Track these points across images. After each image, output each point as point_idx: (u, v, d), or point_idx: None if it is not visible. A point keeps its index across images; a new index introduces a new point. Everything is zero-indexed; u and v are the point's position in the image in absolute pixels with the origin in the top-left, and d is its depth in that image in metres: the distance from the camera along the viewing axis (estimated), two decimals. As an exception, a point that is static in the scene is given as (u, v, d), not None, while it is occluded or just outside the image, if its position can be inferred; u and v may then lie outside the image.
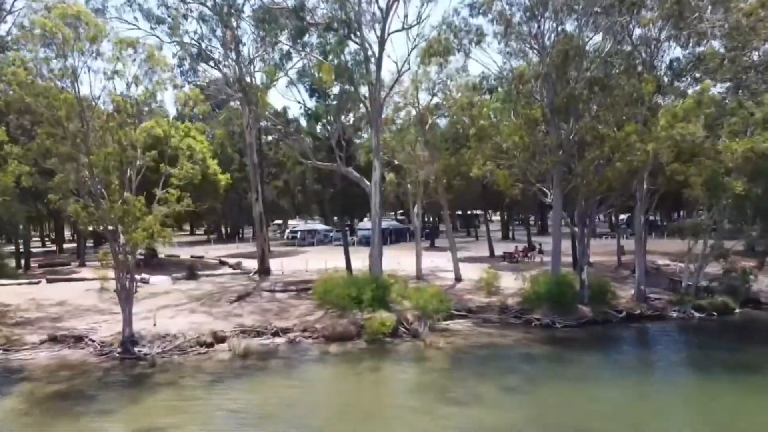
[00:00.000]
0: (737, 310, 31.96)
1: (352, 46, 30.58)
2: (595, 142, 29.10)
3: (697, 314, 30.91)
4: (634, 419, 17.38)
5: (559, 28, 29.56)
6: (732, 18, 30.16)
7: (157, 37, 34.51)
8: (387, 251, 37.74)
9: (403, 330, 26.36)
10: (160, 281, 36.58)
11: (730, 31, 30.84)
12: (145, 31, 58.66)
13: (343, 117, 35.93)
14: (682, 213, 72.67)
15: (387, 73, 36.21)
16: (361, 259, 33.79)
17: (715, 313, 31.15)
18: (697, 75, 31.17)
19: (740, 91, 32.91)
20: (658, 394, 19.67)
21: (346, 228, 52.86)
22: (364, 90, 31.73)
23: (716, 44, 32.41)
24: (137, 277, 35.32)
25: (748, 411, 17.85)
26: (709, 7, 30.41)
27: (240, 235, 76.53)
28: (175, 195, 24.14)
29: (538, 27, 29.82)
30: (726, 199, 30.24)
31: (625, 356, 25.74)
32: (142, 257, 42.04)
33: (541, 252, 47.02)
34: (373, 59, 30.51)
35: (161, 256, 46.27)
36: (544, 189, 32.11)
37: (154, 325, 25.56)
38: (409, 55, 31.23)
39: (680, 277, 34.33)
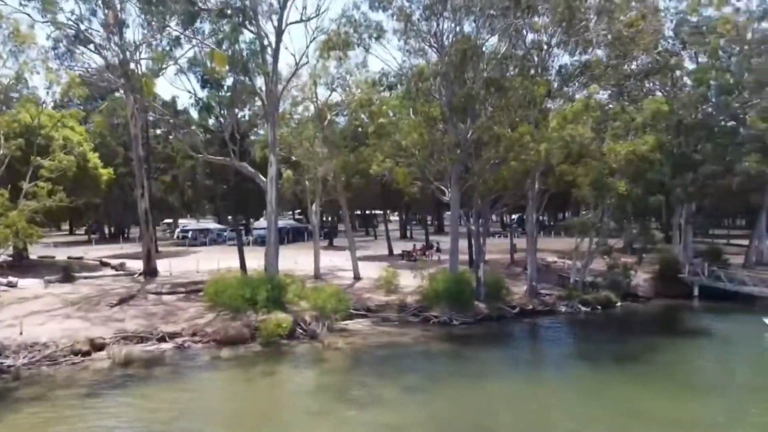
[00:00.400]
0: (618, 304, 33.99)
1: (248, 35, 29.20)
2: (491, 141, 29.73)
3: (583, 308, 32.53)
4: (533, 412, 17.66)
5: (457, 28, 29.91)
6: (615, 28, 31.99)
7: (27, 14, 31.06)
8: (284, 251, 36.56)
9: (301, 331, 25.39)
10: (30, 284, 32.96)
11: (613, 40, 32.67)
12: (13, 7, 52.83)
13: (237, 110, 34.26)
14: (567, 213, 76.95)
15: (285, 66, 34.98)
16: (256, 259, 32.30)
17: (599, 307, 33.02)
18: (584, 81, 32.73)
19: (622, 97, 35.09)
20: (553, 386, 20.22)
21: (241, 227, 50.69)
22: (260, 82, 30.47)
23: (600, 53, 34.24)
24: (2, 280, 31.74)
25: (637, 397, 18.66)
26: (594, 17, 32.05)
27: (125, 235, 71.52)
28: (46, 188, 21.61)
29: (437, 26, 30.03)
30: (610, 199, 32.00)
31: (520, 351, 26.48)
32: (10, 258, 37.96)
33: (438, 250, 47.71)
34: (269, 50, 29.28)
35: (33, 257, 41.96)
36: (442, 187, 32.40)
37: (21, 333, 22.79)
38: (307, 47, 30.36)
39: (568, 273, 36.01)
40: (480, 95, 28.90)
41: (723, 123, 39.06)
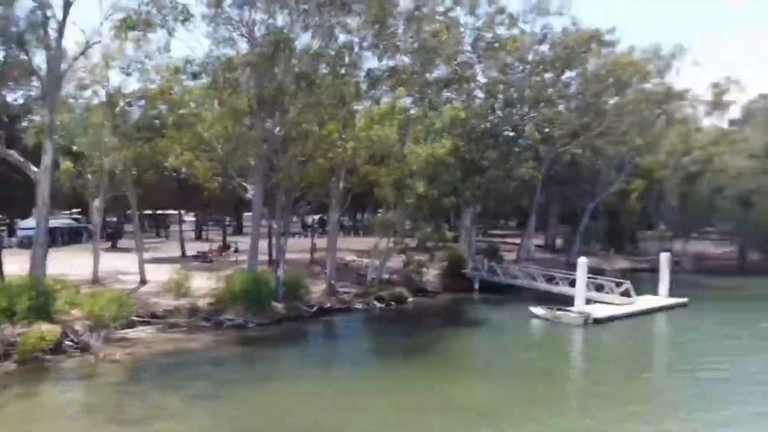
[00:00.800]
0: (410, 299, 35.74)
1: (28, 2, 24.45)
2: (299, 137, 28.93)
3: (378, 305, 33.57)
4: (331, 410, 17.45)
5: (270, 20, 28.37)
6: (421, 37, 33.16)
7: None
8: (58, 253, 31.93)
9: (70, 343, 22.02)
10: None
11: (419, 48, 33.91)
12: None
13: (8, 90, 28.75)
14: (365, 213, 79.11)
15: (72, 44, 29.67)
16: (20, 263, 27.19)
17: (393, 303, 34.32)
18: (391, 84, 33.50)
19: (423, 103, 36.71)
20: (347, 384, 20.22)
21: (3, 226, 42.80)
22: (40, 59, 25.84)
23: (407, 59, 35.26)
24: None
25: (429, 388, 19.61)
26: (403, 25, 32.85)
27: None
28: None
29: (250, 15, 28.21)
30: (409, 199, 33.24)
31: (315, 350, 26.44)
32: None
33: (236, 251, 45.50)
34: (54, 23, 24.76)
35: None
36: (245, 184, 30.74)
37: None
38: (101, 24, 26.11)
39: (366, 271, 36.89)
40: (290, 90, 27.78)
41: (506, 133, 43.23)
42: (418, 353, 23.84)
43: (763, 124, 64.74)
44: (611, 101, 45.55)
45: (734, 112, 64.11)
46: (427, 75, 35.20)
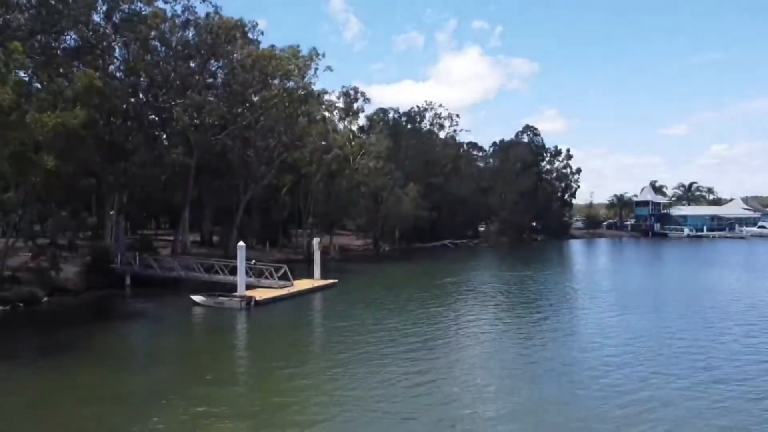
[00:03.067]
0: (46, 299, 30.57)
1: None
2: None
3: (0, 307, 27.69)
4: None
5: None
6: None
7: None
8: None
9: None
10: None
11: (39, 6, 29.41)
12: None
13: None
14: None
15: None
16: None
17: (21, 304, 28.88)
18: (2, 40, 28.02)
19: (51, 69, 31.79)
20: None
21: None
22: None
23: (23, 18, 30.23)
24: None
25: (57, 390, 16.96)
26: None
27: None
28: None
29: None
30: (35, 177, 28.22)
31: None
32: None
33: None
34: None
35: None
36: None
37: None
38: None
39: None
40: None
41: (153, 116, 40.76)
42: (52, 356, 20.65)
43: (385, 132, 76.51)
44: (257, 96, 47.10)
45: (362, 120, 74.14)
46: (51, 40, 30.63)
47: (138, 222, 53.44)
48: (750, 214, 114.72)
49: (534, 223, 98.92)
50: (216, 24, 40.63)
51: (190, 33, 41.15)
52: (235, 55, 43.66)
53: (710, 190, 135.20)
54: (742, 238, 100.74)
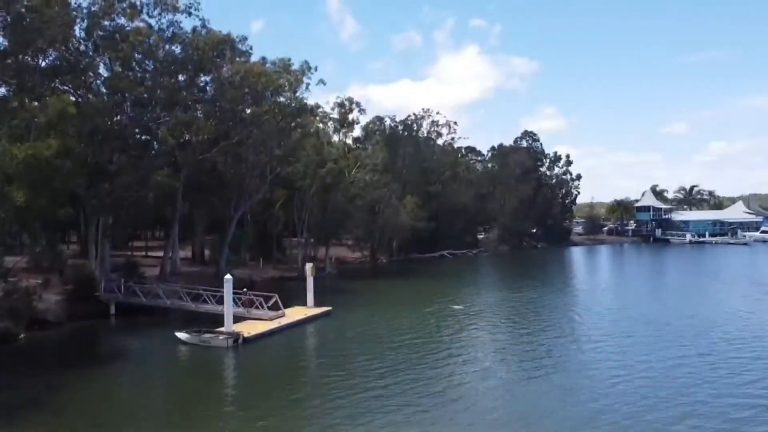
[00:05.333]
0: (22, 336, 28.82)
1: None
2: None
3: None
4: None
5: None
6: (14, 10, 27.06)
7: None
8: None
9: None
10: None
11: (14, 24, 27.67)
12: None
13: None
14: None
15: None
16: None
17: (-6, 343, 27.05)
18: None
19: (24, 93, 30.02)
20: None
21: None
22: None
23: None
24: None
25: None
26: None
27: None
28: None
29: None
30: (6, 211, 26.42)
31: None
32: None
33: None
34: None
35: None
36: None
37: None
38: None
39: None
40: None
41: (138, 135, 39.01)
42: (27, 410, 18.81)
43: (381, 142, 74.93)
44: (248, 110, 45.47)
45: (357, 131, 72.46)
46: (29, 59, 28.89)
47: (122, 236, 51.37)
48: (752, 218, 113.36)
49: (534, 230, 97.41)
50: (203, 39, 38.81)
51: (176, 48, 39.33)
52: (223, 69, 41.96)
53: (711, 194, 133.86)
54: (745, 243, 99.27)
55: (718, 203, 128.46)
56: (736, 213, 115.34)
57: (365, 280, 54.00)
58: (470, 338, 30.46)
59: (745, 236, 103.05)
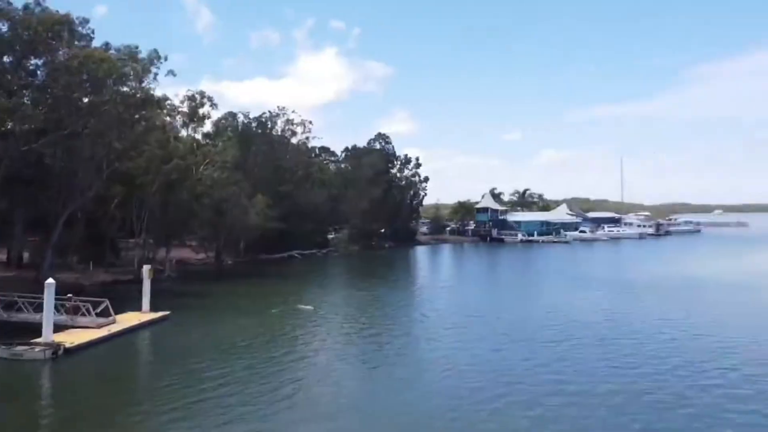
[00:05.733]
0: None
1: None
2: None
3: None
4: None
5: None
6: None
7: None
8: None
9: None
10: None
11: None
12: None
13: None
14: None
15: None
16: None
17: None
18: None
19: None
20: None
21: None
22: None
23: None
24: None
25: None
26: None
27: None
28: None
29: None
30: None
31: None
32: None
33: None
34: None
35: None
36: None
37: None
38: None
39: None
40: None
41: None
42: None
43: (233, 139, 72.75)
44: (86, 99, 41.68)
45: (207, 126, 69.55)
46: None
47: None
48: (573, 219, 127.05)
49: (383, 230, 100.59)
50: (36, 18, 34.93)
51: (2, 26, 35.04)
52: (59, 53, 38.09)
53: (541, 197, 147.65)
54: (566, 242, 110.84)
55: (546, 206, 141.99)
56: (561, 215, 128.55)
57: (208, 283, 52.05)
58: (313, 338, 30.84)
59: (566, 235, 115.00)
